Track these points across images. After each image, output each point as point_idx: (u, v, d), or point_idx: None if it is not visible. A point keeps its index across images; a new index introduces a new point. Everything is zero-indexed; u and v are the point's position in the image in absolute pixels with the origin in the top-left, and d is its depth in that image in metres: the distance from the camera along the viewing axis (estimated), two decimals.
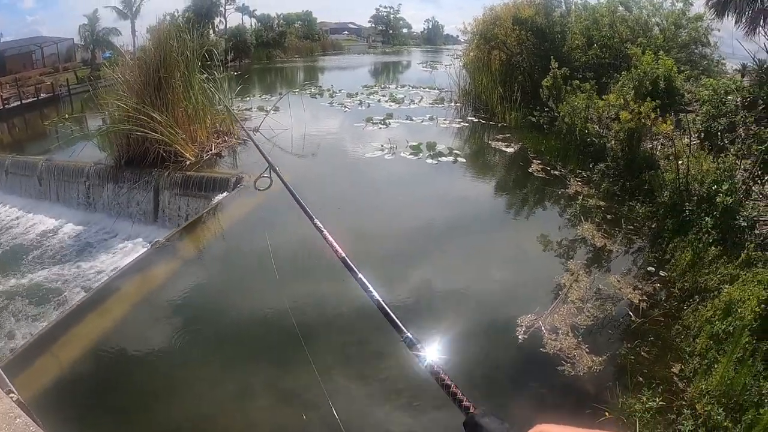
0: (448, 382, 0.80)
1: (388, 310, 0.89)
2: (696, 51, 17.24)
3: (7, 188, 15.53)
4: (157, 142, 12.61)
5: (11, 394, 3.87)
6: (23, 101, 30.42)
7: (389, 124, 17.05)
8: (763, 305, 5.06)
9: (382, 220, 9.74)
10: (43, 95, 31.98)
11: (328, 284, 7.14)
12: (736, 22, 13.85)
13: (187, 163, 12.71)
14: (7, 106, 29.14)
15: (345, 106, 21.01)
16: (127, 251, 11.10)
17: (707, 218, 7.31)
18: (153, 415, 4.99)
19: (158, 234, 11.18)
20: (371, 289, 0.92)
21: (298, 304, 6.67)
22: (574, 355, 5.35)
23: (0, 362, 4.72)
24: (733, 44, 15.31)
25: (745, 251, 6.47)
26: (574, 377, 5.08)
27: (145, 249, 9.99)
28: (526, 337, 5.74)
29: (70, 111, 25.30)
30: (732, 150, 8.76)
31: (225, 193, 11.14)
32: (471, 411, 0.74)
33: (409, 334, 0.82)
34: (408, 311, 6.52)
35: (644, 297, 6.53)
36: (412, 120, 17.75)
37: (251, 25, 58.46)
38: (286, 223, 9.23)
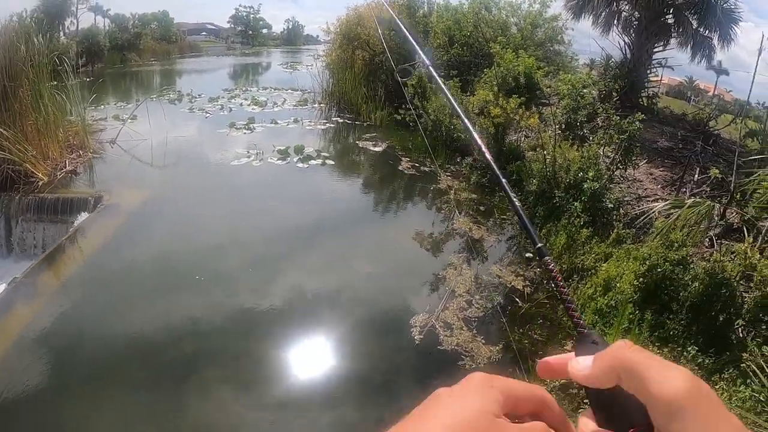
0: (568, 299, 0.70)
1: (526, 221, 0.85)
2: (551, 48, 18.10)
3: None
4: (4, 161, 11.48)
5: None
6: None
7: (254, 128, 16.59)
8: (640, 279, 5.32)
9: (255, 226, 9.38)
10: None
11: (207, 301, 6.83)
12: (593, 23, 14.76)
13: (40, 183, 11.64)
14: None
15: (206, 112, 20.25)
16: None
17: (576, 203, 7.61)
18: None
19: (14, 268, 10.25)
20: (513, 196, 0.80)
21: (179, 326, 6.31)
22: (472, 348, 5.35)
23: None
24: (589, 42, 16.29)
25: (615, 230, 6.84)
26: (475, 369, 5.01)
27: (2, 287, 9.14)
28: (421, 336, 5.66)
29: None
30: (594, 139, 9.17)
31: (85, 215, 10.38)
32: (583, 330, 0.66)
33: (540, 244, 0.77)
34: (291, 317, 6.33)
35: (527, 282, 6.66)
36: (277, 123, 17.37)
37: (105, 26, 55.86)
38: (154, 243, 8.78)
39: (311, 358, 5.68)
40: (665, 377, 0.48)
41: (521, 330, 5.62)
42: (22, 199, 11.02)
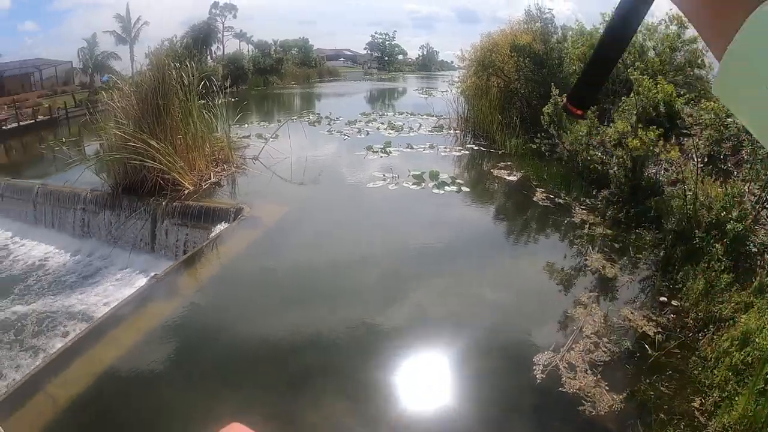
0: None
1: None
2: (692, 73, 17.32)
3: (1, 212, 15.40)
4: (155, 170, 12.48)
5: None
6: (20, 123, 30.44)
7: (390, 152, 17.00)
8: None
9: (387, 247, 9.64)
10: (40, 118, 32.01)
11: (333, 316, 7.11)
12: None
13: (186, 192, 12.58)
14: (3, 127, 29.16)
15: (344, 134, 20.99)
16: (124, 282, 10.95)
17: (717, 245, 7.25)
18: None
19: (155, 264, 11.06)
20: None
21: (303, 337, 6.62)
22: (594, 394, 5.23)
23: None
24: None
25: (758, 278, 6.44)
26: (595, 417, 4.96)
27: (143, 280, 9.87)
28: (543, 376, 5.60)
29: (67, 135, 25.22)
30: (738, 174, 8.74)
31: (225, 224, 11.03)
32: None
33: None
34: (412, 338, 6.46)
35: (659, 328, 6.43)
36: (412, 148, 17.70)
37: (248, 51, 58.87)
38: (289, 255, 9.22)
39: (427, 382, 5.80)
40: None
41: (648, 380, 5.44)
42: (169, 205, 11.99)
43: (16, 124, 30.16)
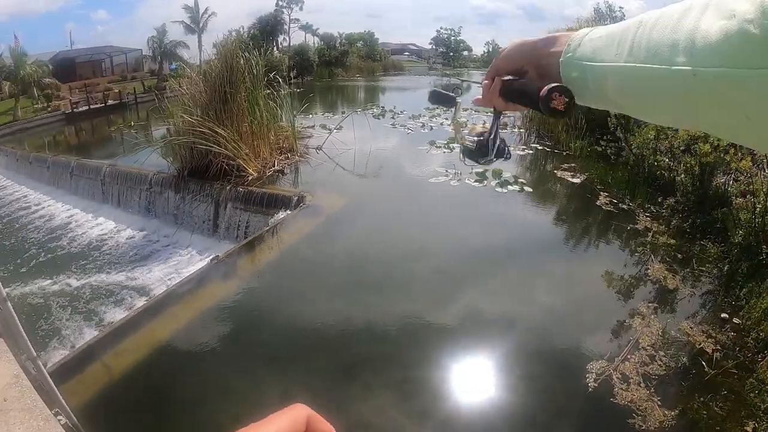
0: None
1: None
2: None
3: (71, 189, 16.06)
4: (220, 155, 12.81)
5: (59, 417, 3.90)
6: (91, 106, 31.58)
7: (453, 148, 16.91)
8: None
9: (445, 243, 9.66)
10: (110, 102, 33.19)
11: (385, 307, 7.19)
12: None
13: (250, 178, 12.86)
14: (75, 110, 30.26)
15: (408, 128, 20.99)
16: (185, 261, 11.26)
17: None
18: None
19: (217, 246, 11.34)
20: None
21: (354, 326, 6.71)
22: (646, 408, 5.15)
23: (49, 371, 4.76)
24: None
25: None
26: (644, 431, 4.89)
27: (204, 261, 10.12)
28: (596, 385, 5.54)
29: (135, 119, 25.99)
30: None
31: (287, 212, 11.21)
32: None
33: None
34: (462, 335, 6.47)
35: (717, 346, 6.27)
36: None
37: (314, 43, 59.48)
38: (347, 245, 9.33)
39: (475, 381, 5.83)
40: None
41: (702, 398, 5.32)
42: (233, 189, 12.25)
43: (87, 107, 31.28)
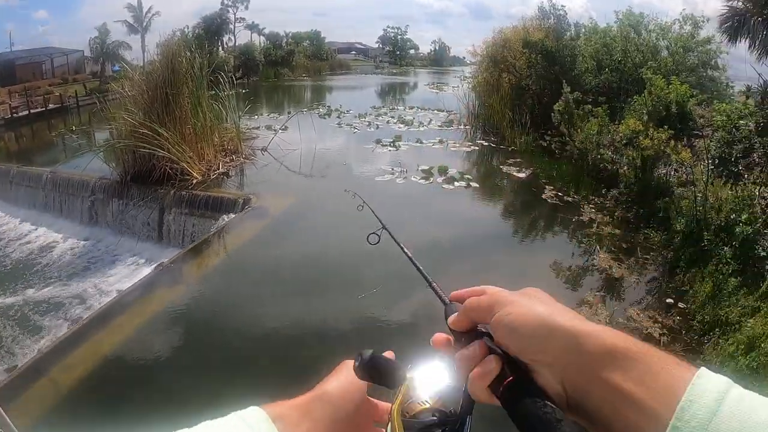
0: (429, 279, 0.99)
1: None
2: (705, 74, 17.20)
3: (11, 199, 15.47)
4: (163, 159, 12.48)
5: None
6: (31, 111, 30.63)
7: (399, 146, 16.95)
8: None
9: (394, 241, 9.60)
10: (51, 106, 32.19)
11: (336, 306, 7.14)
12: (749, 46, 13.83)
13: (194, 181, 12.56)
14: (15, 115, 29.36)
15: (354, 127, 20.94)
16: (131, 270, 10.98)
17: (726, 248, 7.23)
18: None
19: (163, 253, 11.08)
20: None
21: (305, 326, 6.65)
22: None
23: None
24: (745, 67, 15.30)
25: (766, 282, 6.40)
26: None
27: (150, 269, 9.89)
28: None
29: (77, 123, 25.23)
30: (749, 177, 8.68)
31: (232, 215, 11.03)
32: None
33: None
34: (414, 332, 6.45)
35: (664, 330, 6.40)
36: (422, 143, 17.64)
37: (260, 42, 58.87)
38: (294, 246, 9.23)
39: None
40: (506, 311, 0.69)
41: None
42: (177, 194, 11.96)
43: (27, 112, 30.32)
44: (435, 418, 0.80)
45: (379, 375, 0.81)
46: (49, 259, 12.10)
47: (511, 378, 0.66)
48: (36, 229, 13.83)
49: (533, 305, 0.69)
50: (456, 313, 0.79)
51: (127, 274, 10.76)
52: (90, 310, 9.10)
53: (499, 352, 0.69)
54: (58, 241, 13.03)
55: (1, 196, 15.87)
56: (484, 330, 0.74)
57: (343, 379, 0.87)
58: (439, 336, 0.85)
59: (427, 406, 0.82)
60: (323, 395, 0.84)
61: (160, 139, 12.42)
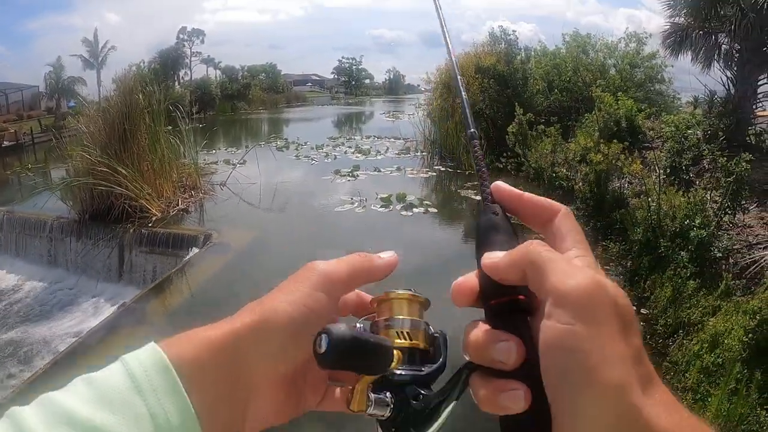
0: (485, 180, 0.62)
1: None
2: (652, 88, 17.72)
3: None
4: (122, 196, 12.24)
5: None
6: None
7: (357, 175, 17.00)
8: (750, 334, 5.11)
9: None
10: (5, 143, 31.59)
11: None
12: (692, 59, 14.29)
13: (153, 218, 12.36)
14: None
15: (312, 159, 20.94)
16: (92, 312, 10.74)
17: (683, 252, 7.39)
18: None
19: (124, 292, 10.85)
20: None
21: None
22: None
23: None
24: (689, 79, 15.77)
25: (723, 281, 6.58)
26: None
27: (111, 309, 9.71)
28: None
29: (33, 160, 24.68)
30: (700, 183, 8.92)
31: (195, 250, 10.91)
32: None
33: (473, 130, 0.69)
34: None
35: None
36: (379, 171, 17.73)
37: (216, 76, 58.85)
38: (257, 281, 9.12)
39: None
40: (569, 273, 0.46)
41: None
42: (136, 232, 11.76)
43: None
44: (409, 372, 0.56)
45: (363, 359, 0.53)
46: (4, 304, 11.80)
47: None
48: None
49: (611, 353, 0.43)
50: (502, 254, 0.53)
51: (89, 315, 10.54)
52: (52, 353, 8.88)
53: (537, 378, 0.47)
54: (15, 283, 12.71)
55: None
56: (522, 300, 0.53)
57: (304, 290, 0.62)
58: (467, 283, 0.58)
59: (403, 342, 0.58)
60: (268, 321, 0.59)
61: (117, 176, 12.19)
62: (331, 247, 10.87)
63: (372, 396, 0.54)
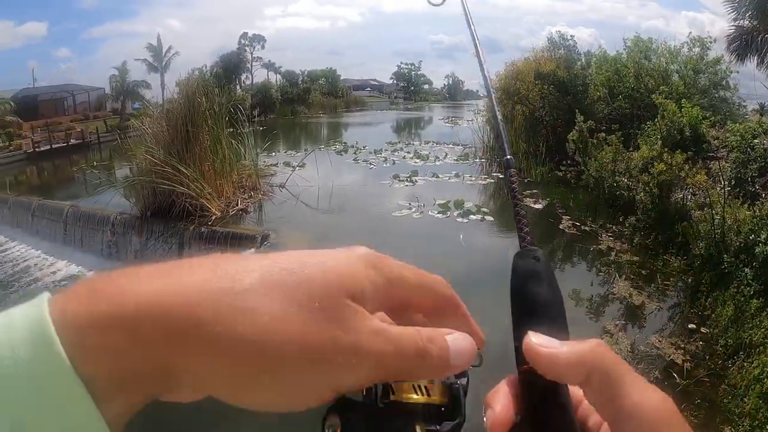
0: (521, 212, 0.60)
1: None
2: (716, 95, 17.20)
3: (33, 231, 15.58)
4: (183, 195, 12.53)
5: None
6: (53, 146, 31.17)
7: (415, 181, 16.99)
8: None
9: None
10: (72, 141, 32.75)
11: None
12: (758, 64, 13.87)
13: (213, 217, 12.61)
14: (37, 149, 29.91)
15: (370, 163, 21.02)
16: None
17: (747, 269, 7.15)
18: None
19: None
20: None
21: None
22: None
23: None
24: (755, 85, 15.29)
25: None
26: None
27: None
28: None
29: (98, 158, 25.50)
30: (767, 196, 8.63)
31: (252, 250, 11.04)
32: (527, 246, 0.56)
33: (509, 156, 0.65)
34: None
35: (687, 356, 6.32)
36: (438, 177, 17.67)
37: (276, 81, 59.64)
38: None
39: None
40: (643, 391, 0.42)
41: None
42: (196, 230, 11.97)
43: (48, 147, 30.84)
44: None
45: None
46: None
47: None
48: (57, 262, 13.89)
49: None
50: (560, 344, 0.47)
51: None
52: None
53: None
54: (79, 274, 13.06)
55: (22, 229, 16.05)
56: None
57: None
58: (503, 411, 0.47)
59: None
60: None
61: (179, 175, 12.51)
62: (387, 252, 10.88)
63: None
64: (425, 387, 0.48)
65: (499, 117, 0.74)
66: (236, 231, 11.91)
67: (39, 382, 0.34)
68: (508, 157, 0.65)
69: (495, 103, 0.75)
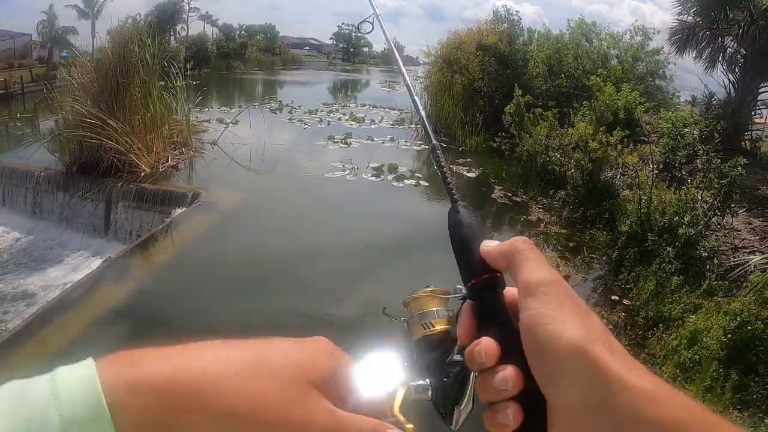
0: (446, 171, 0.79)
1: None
2: (652, 83, 17.72)
3: None
4: (111, 150, 12.03)
5: None
6: None
7: (350, 143, 16.91)
8: (729, 335, 5.17)
9: (342, 238, 9.55)
10: None
11: (284, 305, 7.07)
12: (696, 59, 14.33)
13: (142, 174, 12.19)
14: None
15: (305, 123, 20.77)
16: (76, 265, 10.66)
17: (669, 248, 7.44)
18: None
19: (109, 247, 10.77)
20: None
21: (250, 324, 6.56)
22: None
23: None
24: (690, 78, 15.82)
25: (707, 281, 6.65)
26: None
27: (96, 264, 9.64)
28: None
29: (22, 110, 24.38)
30: (692, 182, 8.95)
31: (182, 209, 10.83)
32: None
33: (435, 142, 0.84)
34: (362, 327, 6.44)
35: (610, 326, 6.54)
36: (373, 140, 17.65)
37: (213, 34, 58.01)
38: (243, 243, 9.11)
39: None
40: (535, 269, 0.58)
41: None
42: (125, 186, 11.63)
43: None
44: None
45: None
46: None
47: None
48: None
49: (571, 321, 0.53)
50: (496, 243, 0.66)
51: (72, 269, 10.47)
52: (35, 306, 8.82)
53: (533, 390, 0.54)
54: (0, 234, 12.56)
55: None
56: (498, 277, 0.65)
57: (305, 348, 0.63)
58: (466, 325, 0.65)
59: None
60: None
61: (108, 129, 11.96)
62: (320, 214, 10.86)
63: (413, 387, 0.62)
64: (430, 323, 0.69)
65: (424, 115, 0.91)
66: (166, 189, 11.55)
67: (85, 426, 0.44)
68: (434, 142, 0.83)
69: (418, 101, 0.91)
